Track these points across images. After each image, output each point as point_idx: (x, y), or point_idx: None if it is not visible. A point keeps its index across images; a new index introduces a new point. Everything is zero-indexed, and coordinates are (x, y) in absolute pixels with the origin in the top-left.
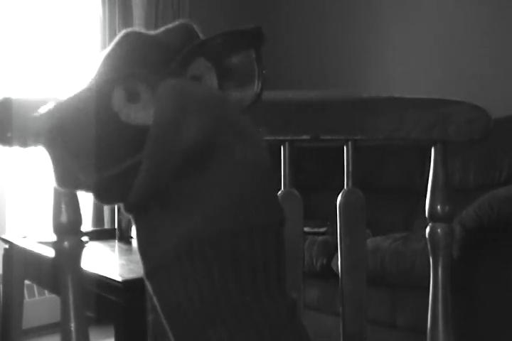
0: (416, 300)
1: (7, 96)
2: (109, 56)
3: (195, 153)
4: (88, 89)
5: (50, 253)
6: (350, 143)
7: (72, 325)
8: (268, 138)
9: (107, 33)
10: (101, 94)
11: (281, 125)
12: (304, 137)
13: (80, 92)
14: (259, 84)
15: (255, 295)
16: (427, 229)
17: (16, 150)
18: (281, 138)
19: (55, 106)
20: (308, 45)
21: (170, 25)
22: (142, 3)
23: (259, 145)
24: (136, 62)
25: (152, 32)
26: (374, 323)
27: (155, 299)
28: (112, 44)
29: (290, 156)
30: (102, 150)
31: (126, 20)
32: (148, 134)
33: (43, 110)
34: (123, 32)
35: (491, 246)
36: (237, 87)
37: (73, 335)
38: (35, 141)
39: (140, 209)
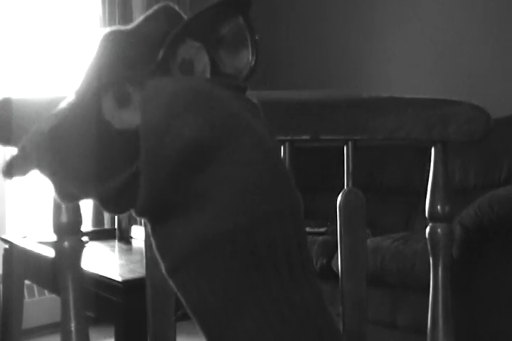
0: (416, 300)
1: (7, 96)
2: (92, 63)
3: (195, 151)
4: (75, 104)
5: (50, 253)
6: (350, 143)
7: (72, 325)
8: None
9: None
10: (89, 105)
11: (281, 125)
12: (304, 137)
13: (68, 108)
14: (254, 52)
15: (280, 286)
16: (427, 229)
17: (16, 150)
18: (281, 138)
19: (43, 125)
20: (309, 45)
21: (149, 12)
22: (142, 3)
23: (261, 135)
24: (120, 64)
25: (132, 25)
26: (374, 323)
27: (180, 295)
28: (94, 48)
29: (290, 156)
30: (99, 164)
31: (126, 20)
32: (140, 139)
33: (31, 131)
34: (102, 34)
35: (490, 246)
36: (230, 58)
37: (73, 335)
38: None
39: (152, 213)
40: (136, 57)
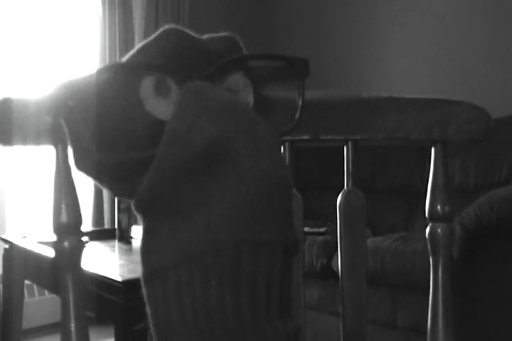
0: (416, 300)
1: (7, 96)
2: (144, 47)
3: (206, 156)
4: (117, 68)
5: (50, 253)
6: (350, 143)
7: (72, 325)
8: None
9: (107, 33)
10: (130, 77)
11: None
12: (304, 137)
13: (107, 70)
14: (299, 115)
15: (253, 317)
16: (427, 229)
17: (16, 149)
18: (282, 138)
19: (77, 81)
20: (309, 45)
21: (216, 34)
22: (142, 4)
23: (274, 158)
24: (172, 57)
25: (194, 34)
26: (374, 323)
27: (147, 305)
28: (150, 38)
29: (290, 156)
30: (122, 133)
31: (126, 20)
32: (165, 130)
33: (64, 85)
34: (163, 27)
35: (490, 246)
36: (271, 111)
37: (73, 335)
38: (55, 118)
39: (147, 210)
40: (187, 59)
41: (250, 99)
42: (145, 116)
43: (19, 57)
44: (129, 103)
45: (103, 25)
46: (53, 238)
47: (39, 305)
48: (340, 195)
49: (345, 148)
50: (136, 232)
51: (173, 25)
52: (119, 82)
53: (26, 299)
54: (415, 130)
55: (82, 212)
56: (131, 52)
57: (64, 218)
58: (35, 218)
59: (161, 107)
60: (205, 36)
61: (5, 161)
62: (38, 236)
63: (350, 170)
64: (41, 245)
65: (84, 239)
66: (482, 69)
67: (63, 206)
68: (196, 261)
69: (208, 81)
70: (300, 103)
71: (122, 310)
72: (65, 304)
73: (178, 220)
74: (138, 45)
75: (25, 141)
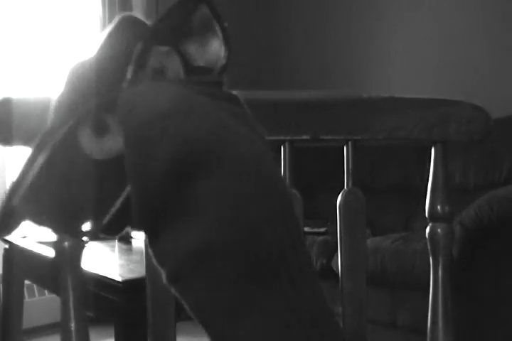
0: (416, 300)
1: (7, 96)
2: (61, 99)
3: (180, 163)
4: (52, 144)
5: (50, 253)
6: (350, 143)
7: (72, 325)
8: (268, 138)
9: None
10: (66, 142)
11: (281, 125)
12: (304, 137)
13: (45, 149)
14: (225, 41)
15: (278, 289)
16: (427, 229)
17: (16, 149)
18: (281, 138)
19: (22, 177)
20: (309, 45)
21: (111, 27)
22: (142, 4)
23: (251, 143)
24: (90, 94)
25: (95, 48)
26: (374, 323)
27: (182, 302)
28: (61, 85)
29: (290, 156)
30: (92, 199)
31: None
32: (125, 154)
33: (12, 184)
34: (67, 69)
35: (491, 246)
36: (202, 51)
37: (73, 335)
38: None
39: (147, 225)
40: (105, 83)
41: (177, 65)
42: (102, 168)
43: (19, 57)
44: (79, 168)
45: (103, 25)
46: (53, 238)
47: (39, 305)
48: (340, 195)
49: (345, 148)
50: (136, 232)
51: (71, 63)
52: (59, 153)
53: (26, 299)
54: (415, 130)
55: None
56: (54, 107)
57: None
58: None
59: (108, 146)
60: (104, 36)
61: (5, 161)
62: (38, 236)
63: (350, 170)
64: (41, 245)
65: (85, 239)
66: (482, 69)
67: None
68: (208, 258)
69: (134, 84)
70: (218, 27)
71: (122, 310)
72: (65, 304)
73: (182, 225)
74: (55, 94)
75: (25, 141)
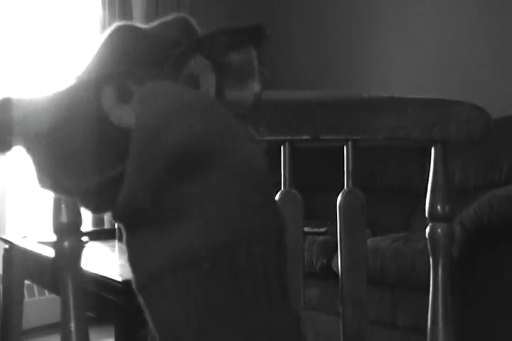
0: (416, 300)
1: (7, 96)
2: (98, 52)
3: (183, 159)
4: (74, 88)
5: (50, 253)
6: (350, 143)
7: (72, 325)
8: (268, 138)
9: None
10: (89, 93)
11: (281, 125)
12: (304, 137)
13: (66, 92)
14: (259, 84)
15: (257, 311)
16: (427, 229)
17: (16, 149)
18: (281, 138)
19: (36, 108)
20: (309, 45)
21: (166, 19)
22: (142, 3)
23: (254, 152)
24: (127, 59)
25: (146, 26)
26: (374, 323)
27: (147, 313)
28: (102, 38)
29: (290, 156)
30: (90, 157)
31: (126, 20)
32: (131, 139)
33: (24, 111)
34: (114, 26)
35: (490, 246)
36: (236, 86)
37: (73, 335)
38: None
39: (129, 220)
40: (143, 57)
41: (211, 80)
42: (112, 132)
43: (19, 57)
44: (93, 122)
45: (103, 25)
46: (53, 238)
47: (39, 305)
48: (340, 195)
49: (345, 148)
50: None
51: (121, 23)
52: (78, 100)
53: (26, 299)
54: (415, 130)
55: (82, 212)
56: (86, 61)
57: (64, 218)
58: (35, 218)
59: (125, 115)
60: (155, 23)
61: (5, 161)
62: (38, 236)
63: (350, 170)
64: (41, 245)
65: (84, 239)
66: (482, 69)
67: (63, 206)
68: (192, 265)
69: (168, 74)
70: (256, 72)
71: (122, 310)
72: (65, 304)
73: (166, 228)
74: (90, 51)
75: (25, 141)
